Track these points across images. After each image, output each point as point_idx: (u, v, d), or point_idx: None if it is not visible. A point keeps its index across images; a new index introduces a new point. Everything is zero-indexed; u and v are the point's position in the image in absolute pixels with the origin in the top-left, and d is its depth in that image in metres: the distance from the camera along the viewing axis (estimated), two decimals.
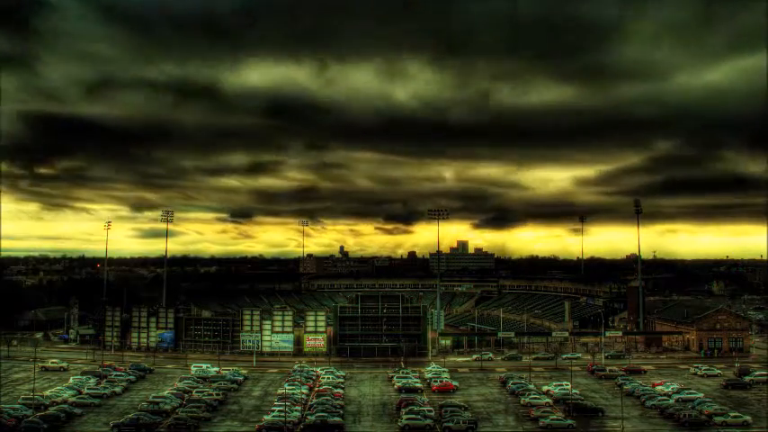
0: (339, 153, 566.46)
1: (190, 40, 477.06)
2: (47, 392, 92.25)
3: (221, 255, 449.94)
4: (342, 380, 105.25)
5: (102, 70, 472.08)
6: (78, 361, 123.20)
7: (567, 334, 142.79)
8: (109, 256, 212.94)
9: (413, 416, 79.62)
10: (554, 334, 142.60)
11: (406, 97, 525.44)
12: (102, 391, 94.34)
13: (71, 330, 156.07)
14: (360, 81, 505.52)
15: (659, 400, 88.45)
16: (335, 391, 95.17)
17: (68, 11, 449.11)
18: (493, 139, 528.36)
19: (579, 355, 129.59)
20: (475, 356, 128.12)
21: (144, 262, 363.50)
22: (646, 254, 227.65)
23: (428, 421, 78.51)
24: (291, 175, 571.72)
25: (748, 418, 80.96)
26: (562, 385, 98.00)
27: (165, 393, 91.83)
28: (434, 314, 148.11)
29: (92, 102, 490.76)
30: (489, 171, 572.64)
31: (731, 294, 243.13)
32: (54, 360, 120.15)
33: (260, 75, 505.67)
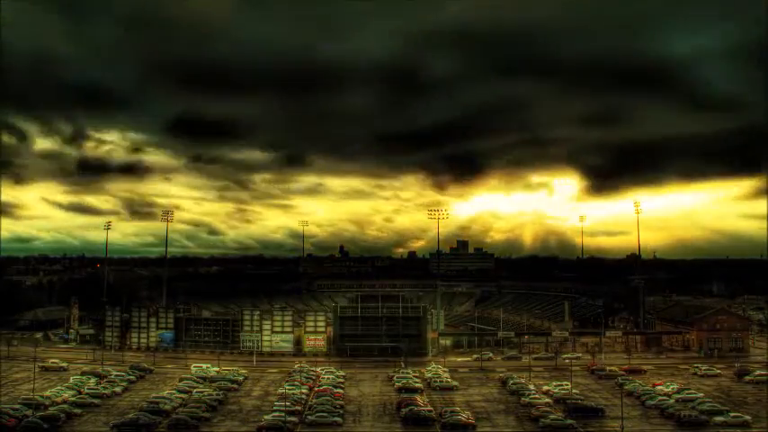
0: None
1: None
2: (47, 392, 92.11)
3: (221, 255, 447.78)
4: (342, 380, 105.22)
5: None
6: (78, 361, 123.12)
7: (566, 334, 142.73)
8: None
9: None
10: (554, 334, 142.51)
11: None
12: (103, 391, 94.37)
13: (71, 330, 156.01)
14: None
15: (659, 400, 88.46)
16: (335, 390, 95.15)
17: None
18: None
19: (579, 355, 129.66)
20: (475, 356, 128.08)
21: (144, 262, 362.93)
22: (646, 254, 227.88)
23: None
24: None
25: (748, 417, 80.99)
26: (562, 385, 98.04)
27: (165, 393, 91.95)
28: (434, 314, 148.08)
29: None
30: None
31: (731, 294, 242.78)
32: (54, 360, 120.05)
33: None
